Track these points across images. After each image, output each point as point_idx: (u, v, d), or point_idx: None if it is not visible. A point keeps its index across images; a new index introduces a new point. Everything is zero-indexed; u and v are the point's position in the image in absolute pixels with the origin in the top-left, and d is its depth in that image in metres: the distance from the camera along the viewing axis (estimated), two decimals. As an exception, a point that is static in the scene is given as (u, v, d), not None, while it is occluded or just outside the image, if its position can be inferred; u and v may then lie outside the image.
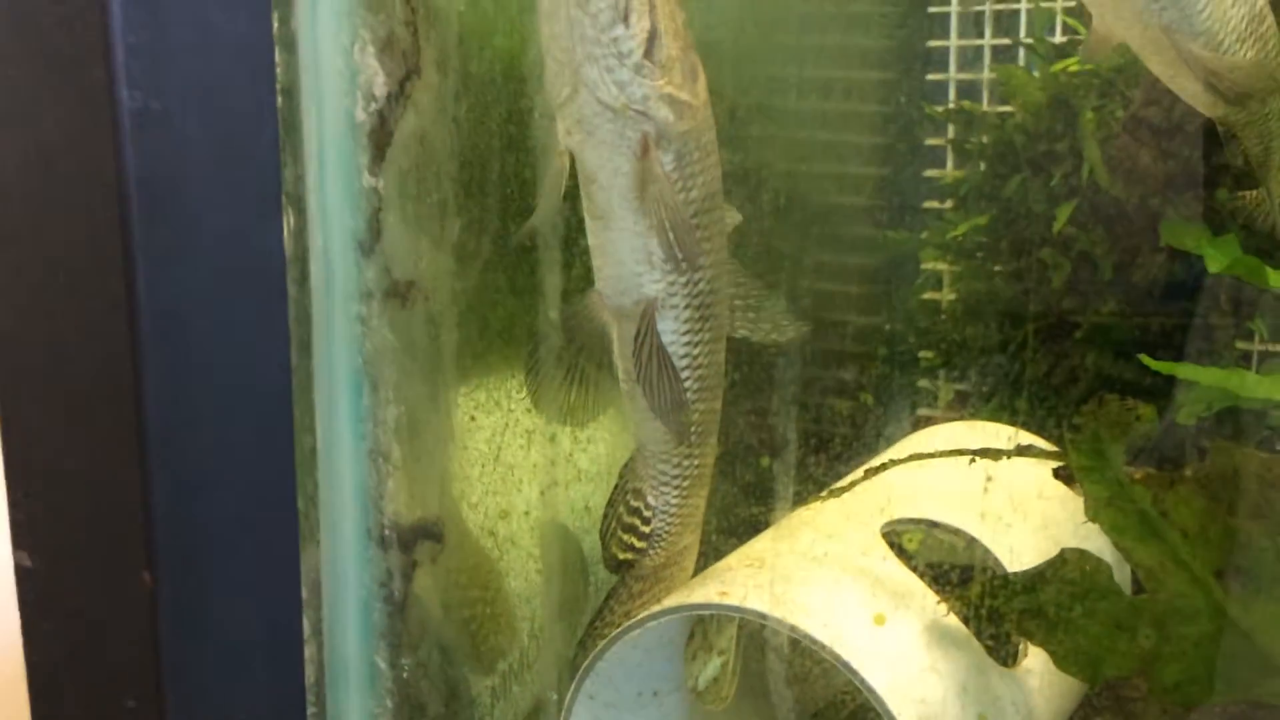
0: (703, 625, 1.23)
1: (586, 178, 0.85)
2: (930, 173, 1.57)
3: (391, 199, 0.73)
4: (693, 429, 0.96)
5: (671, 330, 0.90)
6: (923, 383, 1.57)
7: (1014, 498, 1.08)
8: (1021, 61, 1.49)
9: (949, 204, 1.55)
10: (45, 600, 0.63)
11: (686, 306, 0.90)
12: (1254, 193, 1.12)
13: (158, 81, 0.55)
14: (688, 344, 0.92)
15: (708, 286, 0.91)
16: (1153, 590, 0.81)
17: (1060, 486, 1.14)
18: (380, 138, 0.71)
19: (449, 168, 0.79)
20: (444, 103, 0.76)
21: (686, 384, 0.92)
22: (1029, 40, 1.47)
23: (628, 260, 0.87)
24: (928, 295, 1.57)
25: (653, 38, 0.80)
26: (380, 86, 0.70)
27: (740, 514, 1.22)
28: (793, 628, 0.88)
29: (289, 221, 0.67)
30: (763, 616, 0.89)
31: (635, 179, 0.83)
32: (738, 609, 0.91)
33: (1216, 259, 1.17)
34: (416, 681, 0.79)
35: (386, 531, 0.76)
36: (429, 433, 0.80)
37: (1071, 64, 1.41)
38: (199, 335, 0.60)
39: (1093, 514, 0.84)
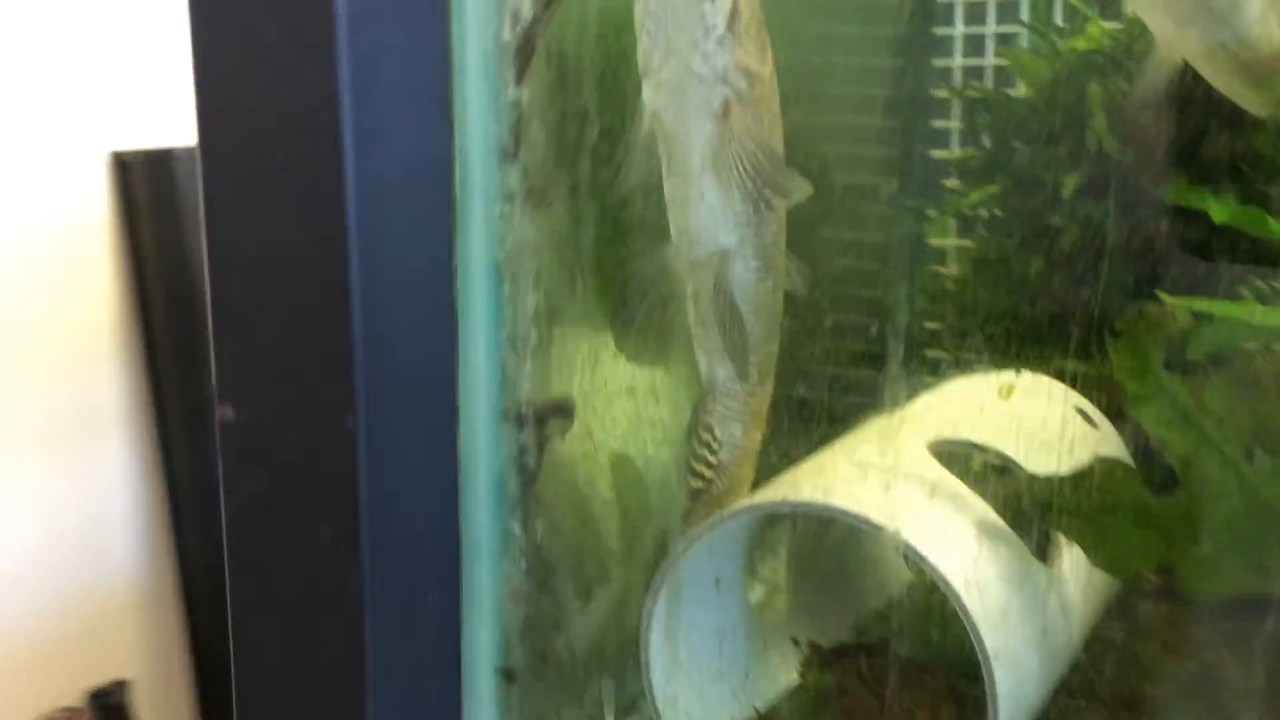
0: (749, 557, 1.33)
1: (669, 139, 0.94)
2: (938, 153, 1.67)
3: (533, 110, 0.82)
4: (755, 369, 1.05)
5: (740, 279, 1.00)
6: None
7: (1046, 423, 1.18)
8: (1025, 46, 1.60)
9: (955, 182, 1.65)
10: (247, 448, 0.71)
11: (754, 256, 1.00)
12: None
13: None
14: (755, 291, 1.01)
15: (771, 239, 1.01)
16: (1185, 477, 0.91)
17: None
18: (524, 55, 0.80)
19: (588, 80, 0.88)
20: (584, 20, 0.85)
21: (751, 328, 1.02)
22: (1035, 25, 1.58)
23: (704, 215, 0.97)
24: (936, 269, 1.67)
25: (734, 13, 0.90)
26: (526, 8, 0.80)
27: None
28: (856, 516, 0.97)
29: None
30: (827, 508, 0.99)
31: (715, 140, 0.93)
32: (807, 505, 1.01)
33: (1219, 211, 1.27)
34: (548, 544, 0.88)
35: (523, 409, 0.84)
36: (565, 317, 0.89)
37: (1078, 42, 1.52)
38: (391, 217, 0.68)
39: (1134, 410, 0.94)
